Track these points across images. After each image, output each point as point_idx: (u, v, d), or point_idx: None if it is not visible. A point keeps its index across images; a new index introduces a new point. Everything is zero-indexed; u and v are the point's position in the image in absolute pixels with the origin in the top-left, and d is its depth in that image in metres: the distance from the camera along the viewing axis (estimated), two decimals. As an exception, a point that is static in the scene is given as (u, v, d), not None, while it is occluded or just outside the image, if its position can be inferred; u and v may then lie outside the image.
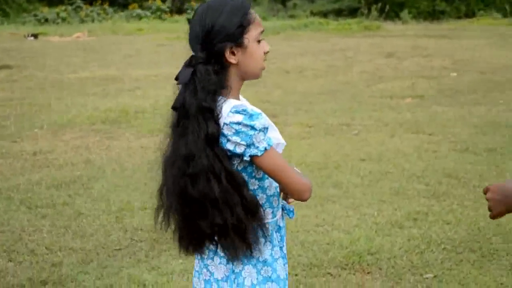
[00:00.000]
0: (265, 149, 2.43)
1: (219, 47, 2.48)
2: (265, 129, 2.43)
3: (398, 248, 5.20)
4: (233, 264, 2.56)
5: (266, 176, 2.52)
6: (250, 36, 2.51)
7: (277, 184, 2.58)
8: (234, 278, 2.57)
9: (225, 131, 2.44)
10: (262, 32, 2.55)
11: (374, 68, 15.87)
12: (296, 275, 4.81)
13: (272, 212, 2.61)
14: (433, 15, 43.78)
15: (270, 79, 14.32)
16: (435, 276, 4.74)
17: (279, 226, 2.67)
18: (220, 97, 2.47)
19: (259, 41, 2.54)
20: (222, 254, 2.57)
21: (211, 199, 2.44)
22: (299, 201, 2.65)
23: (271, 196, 2.59)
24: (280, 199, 2.68)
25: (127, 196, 6.57)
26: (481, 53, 18.86)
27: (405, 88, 13.05)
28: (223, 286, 2.59)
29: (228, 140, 2.44)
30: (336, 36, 24.36)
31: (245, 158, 2.45)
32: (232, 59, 2.50)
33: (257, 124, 2.41)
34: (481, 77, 14.67)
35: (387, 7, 37.89)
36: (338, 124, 9.82)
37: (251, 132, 2.41)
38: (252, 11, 2.54)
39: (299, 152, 8.13)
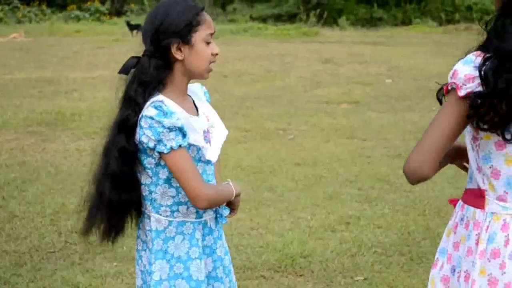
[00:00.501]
0: (171, 148, 2.52)
1: (166, 42, 2.59)
2: (176, 129, 2.52)
3: (330, 251, 5.31)
4: (150, 254, 2.67)
5: None
6: (199, 35, 2.62)
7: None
8: (150, 271, 2.68)
9: (142, 123, 2.55)
10: (212, 34, 2.65)
11: (312, 74, 16.06)
12: (229, 277, 4.87)
13: (197, 212, 2.67)
14: (371, 22, 44.39)
15: (208, 83, 14.24)
16: (365, 279, 4.86)
17: (210, 229, 2.74)
18: (156, 92, 2.57)
19: (208, 43, 2.64)
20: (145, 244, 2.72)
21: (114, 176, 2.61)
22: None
23: None
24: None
25: (62, 198, 6.55)
26: (416, 60, 19.22)
27: (341, 94, 13.23)
28: (144, 277, 2.74)
29: (144, 133, 2.54)
30: (275, 41, 24.53)
31: (155, 153, 2.55)
32: (178, 55, 2.61)
33: (166, 122, 2.51)
34: (415, 84, 14.97)
35: (326, 13, 38.28)
36: (275, 128, 9.93)
37: (160, 129, 2.51)
38: (205, 13, 2.64)
39: (235, 156, 8.20)
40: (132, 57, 2.65)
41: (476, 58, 2.24)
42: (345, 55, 20.24)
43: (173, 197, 2.65)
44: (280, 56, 19.20)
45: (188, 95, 2.78)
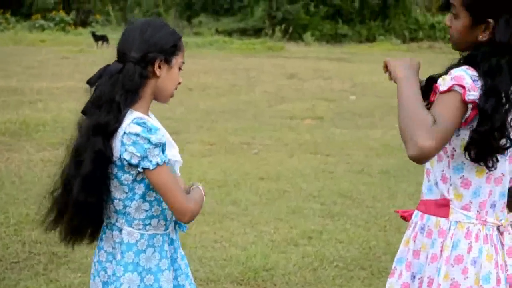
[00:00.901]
0: (157, 164, 2.56)
1: (153, 55, 2.67)
2: (161, 145, 2.57)
3: (293, 265, 5.38)
4: (117, 266, 2.69)
5: None
6: (177, 60, 2.74)
7: None
8: (114, 281, 2.71)
9: (125, 140, 2.57)
10: (183, 62, 2.77)
11: (276, 89, 16.18)
12: (193, 289, 4.93)
13: (165, 225, 2.74)
14: (336, 38, 44.74)
15: (173, 96, 14.40)
16: (327, 292, 4.95)
17: (172, 239, 2.81)
18: (128, 109, 2.61)
19: (180, 69, 2.75)
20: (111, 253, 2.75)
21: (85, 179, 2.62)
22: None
23: (165, 208, 2.70)
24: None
25: (26, 209, 6.55)
26: (379, 77, 19.36)
27: (305, 110, 13.36)
28: (110, 281, 2.75)
29: (126, 150, 2.57)
30: (240, 55, 24.66)
31: (138, 169, 2.58)
32: (157, 71, 2.68)
33: (153, 138, 2.55)
34: (379, 100, 15.15)
35: (291, 28, 38.50)
36: (239, 142, 10.01)
37: (147, 146, 2.55)
38: (182, 41, 2.78)
39: (200, 169, 8.26)
40: (116, 62, 2.69)
41: (472, 72, 2.36)
42: (310, 71, 20.41)
43: (146, 211, 2.69)
44: (245, 70, 19.32)
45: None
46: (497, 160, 2.38)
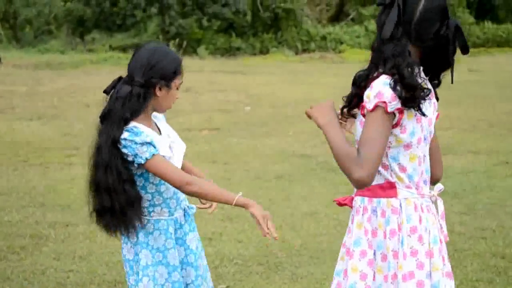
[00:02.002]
0: (147, 158, 3.16)
1: (155, 81, 3.28)
2: (146, 143, 3.16)
3: (195, 265, 5.71)
4: (135, 246, 3.31)
5: (162, 182, 3.25)
6: (176, 82, 3.34)
7: (175, 191, 3.33)
8: (137, 259, 3.31)
9: (120, 146, 3.18)
10: (181, 83, 3.37)
11: (173, 102, 16.44)
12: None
13: (169, 211, 3.38)
14: (230, 51, 45.33)
15: (71, 113, 14.55)
16: (227, 287, 5.30)
17: (180, 224, 3.39)
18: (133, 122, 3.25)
19: (177, 88, 3.36)
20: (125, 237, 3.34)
21: (104, 186, 3.19)
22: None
23: (167, 198, 3.35)
24: (185, 202, 3.46)
25: None
26: (273, 88, 19.99)
27: (202, 121, 13.72)
28: (132, 265, 3.35)
29: (123, 152, 3.18)
30: (136, 70, 24.80)
31: (135, 165, 3.18)
32: (158, 93, 3.30)
33: (137, 139, 3.20)
34: (273, 110, 15.66)
35: (185, 43, 38.83)
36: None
37: (134, 146, 3.19)
38: (181, 65, 3.38)
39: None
40: (124, 83, 3.29)
41: (389, 79, 2.77)
42: (205, 84, 20.79)
43: (149, 200, 3.32)
44: (141, 85, 19.51)
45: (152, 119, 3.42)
46: (416, 108, 2.81)
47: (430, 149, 3.02)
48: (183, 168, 3.42)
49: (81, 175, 8.29)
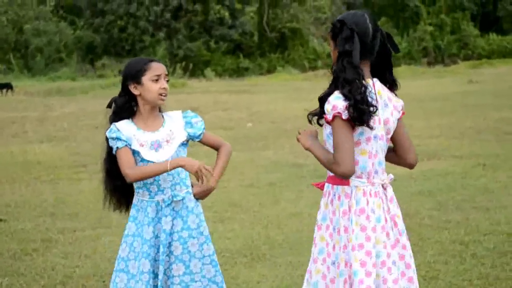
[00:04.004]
0: (117, 148, 3.91)
1: (127, 83, 3.98)
2: (115, 138, 3.91)
3: (187, 258, 6.42)
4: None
5: None
6: (146, 77, 3.94)
7: (155, 179, 3.96)
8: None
9: (108, 140, 4.02)
10: (157, 75, 3.96)
11: (178, 122, 17.20)
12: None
13: (149, 195, 4.01)
14: (238, 72, 46.16)
15: (80, 135, 15.38)
16: (214, 275, 5.99)
17: (161, 207, 4.00)
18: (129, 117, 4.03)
19: (156, 81, 3.95)
20: None
21: (108, 171, 4.10)
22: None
23: (148, 183, 3.97)
24: (170, 191, 3.98)
25: None
26: (276, 105, 20.76)
27: (204, 138, 14.44)
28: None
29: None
30: (144, 93, 25.60)
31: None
32: (135, 91, 3.97)
33: (108, 135, 3.93)
34: (273, 126, 16.43)
35: (191, 65, 39.60)
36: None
37: (110, 139, 3.95)
38: (153, 63, 4.00)
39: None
40: (118, 97, 4.05)
41: (340, 95, 3.48)
42: (211, 104, 21.59)
43: (136, 182, 4.00)
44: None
45: (164, 117, 4.07)
46: (372, 122, 3.50)
47: (399, 141, 3.74)
48: (214, 146, 4.30)
49: (89, 189, 9.08)
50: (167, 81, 4.03)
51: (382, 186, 3.66)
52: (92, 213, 7.90)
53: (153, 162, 3.94)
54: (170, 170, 3.86)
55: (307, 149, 3.66)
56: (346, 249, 3.55)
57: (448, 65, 44.95)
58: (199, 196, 4.15)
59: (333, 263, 3.61)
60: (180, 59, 43.25)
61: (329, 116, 3.48)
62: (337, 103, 3.46)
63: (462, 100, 20.48)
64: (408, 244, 3.69)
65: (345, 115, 3.44)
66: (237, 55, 49.53)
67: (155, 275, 3.99)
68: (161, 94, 3.96)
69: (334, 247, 3.61)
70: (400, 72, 37.24)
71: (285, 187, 9.45)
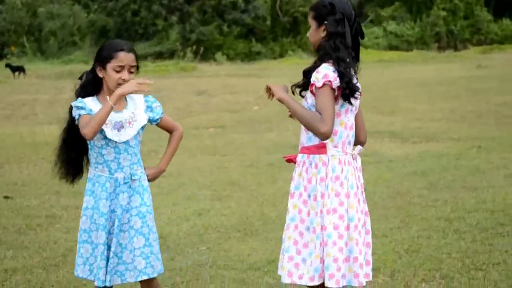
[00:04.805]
0: (79, 115, 4.08)
1: (95, 64, 4.16)
2: (79, 108, 4.08)
3: (183, 233, 6.73)
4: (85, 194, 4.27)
5: (104, 146, 4.14)
6: (110, 65, 4.10)
7: (116, 157, 4.16)
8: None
9: (72, 110, 4.17)
10: (121, 66, 4.10)
11: (185, 105, 17.53)
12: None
13: (109, 171, 4.18)
14: (250, 56, 46.30)
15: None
16: (207, 248, 6.29)
17: (120, 183, 4.18)
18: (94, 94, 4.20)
19: (118, 72, 4.10)
20: None
21: (62, 142, 4.31)
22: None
23: (108, 160, 4.15)
24: (129, 169, 4.19)
25: None
26: (283, 89, 20.96)
27: (210, 121, 14.76)
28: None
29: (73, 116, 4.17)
30: (154, 77, 25.87)
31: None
32: (100, 74, 4.15)
33: (74, 104, 4.12)
34: (279, 109, 16.56)
35: (202, 49, 39.77)
36: (148, 150, 11.30)
37: (74, 108, 4.11)
38: (121, 53, 4.11)
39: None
40: (89, 72, 4.23)
41: (330, 66, 3.78)
42: (219, 87, 21.85)
43: (95, 158, 4.19)
44: (157, 91, 20.49)
45: (127, 99, 4.25)
46: (355, 99, 3.84)
47: (356, 120, 4.03)
48: (167, 129, 4.49)
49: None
50: (132, 72, 4.17)
51: (352, 156, 3.94)
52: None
53: (116, 141, 4.16)
54: (114, 105, 4.04)
55: (279, 99, 3.93)
56: (321, 214, 3.83)
57: (459, 50, 44.95)
58: (151, 177, 4.41)
59: (308, 228, 3.89)
60: (193, 43, 43.43)
61: (318, 84, 3.76)
62: (328, 72, 3.76)
63: (468, 85, 20.63)
64: (368, 211, 3.99)
65: (335, 84, 3.74)
66: (249, 39, 49.63)
67: (109, 247, 4.19)
68: (120, 84, 4.11)
69: (308, 213, 3.90)
70: (410, 56, 37.44)
71: (284, 167, 9.71)
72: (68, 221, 7.34)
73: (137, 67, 4.23)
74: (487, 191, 7.89)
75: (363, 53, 26.50)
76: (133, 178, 4.22)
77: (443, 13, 51.65)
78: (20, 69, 29.31)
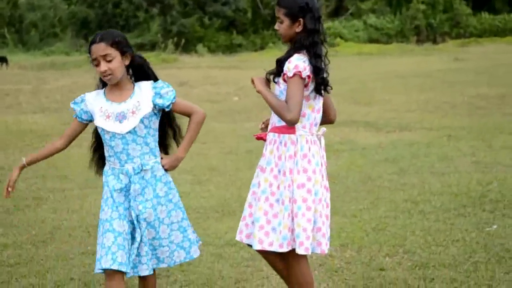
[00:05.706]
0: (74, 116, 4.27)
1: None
2: (75, 103, 4.25)
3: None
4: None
5: (113, 139, 4.14)
6: (91, 59, 4.11)
7: (124, 148, 4.15)
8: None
9: None
10: (93, 59, 4.09)
11: (166, 95, 17.82)
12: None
13: (120, 163, 4.19)
14: (231, 48, 46.60)
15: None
16: (187, 227, 6.67)
17: (131, 174, 4.20)
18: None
19: (96, 65, 4.10)
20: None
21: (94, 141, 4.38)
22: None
23: (118, 152, 4.15)
24: (139, 160, 4.16)
25: None
26: (262, 80, 21.32)
27: (191, 110, 15.09)
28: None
29: None
30: (135, 68, 26.15)
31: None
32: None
33: (74, 99, 4.27)
34: (258, 100, 16.94)
35: (183, 41, 40.01)
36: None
37: (72, 104, 4.27)
38: (92, 46, 4.09)
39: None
40: None
41: (302, 56, 4.14)
42: (200, 78, 22.17)
43: (107, 151, 4.22)
44: (139, 81, 20.92)
45: (135, 88, 4.21)
46: (325, 90, 4.23)
47: (324, 100, 4.39)
48: (185, 113, 4.46)
49: (78, 154, 9.72)
50: (109, 60, 4.08)
51: (317, 136, 4.32)
52: (80, 175, 8.56)
53: (115, 133, 4.16)
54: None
55: (258, 91, 4.31)
56: (290, 188, 4.21)
57: (438, 43, 45.44)
58: (168, 167, 4.35)
59: (278, 200, 4.27)
60: (174, 35, 43.68)
61: (289, 73, 4.12)
62: (299, 63, 4.11)
63: (444, 77, 21.09)
64: (328, 187, 4.37)
65: (304, 74, 4.10)
66: (230, 32, 49.92)
67: (132, 237, 4.18)
68: (104, 76, 4.11)
69: (278, 187, 4.26)
70: (389, 49, 37.86)
71: (261, 154, 10.09)
72: (54, 202, 7.70)
73: (123, 52, 4.14)
74: (453, 176, 8.32)
75: (343, 46, 26.96)
76: (144, 168, 4.18)
77: (423, 7, 52.12)
78: (3, 60, 29.50)
